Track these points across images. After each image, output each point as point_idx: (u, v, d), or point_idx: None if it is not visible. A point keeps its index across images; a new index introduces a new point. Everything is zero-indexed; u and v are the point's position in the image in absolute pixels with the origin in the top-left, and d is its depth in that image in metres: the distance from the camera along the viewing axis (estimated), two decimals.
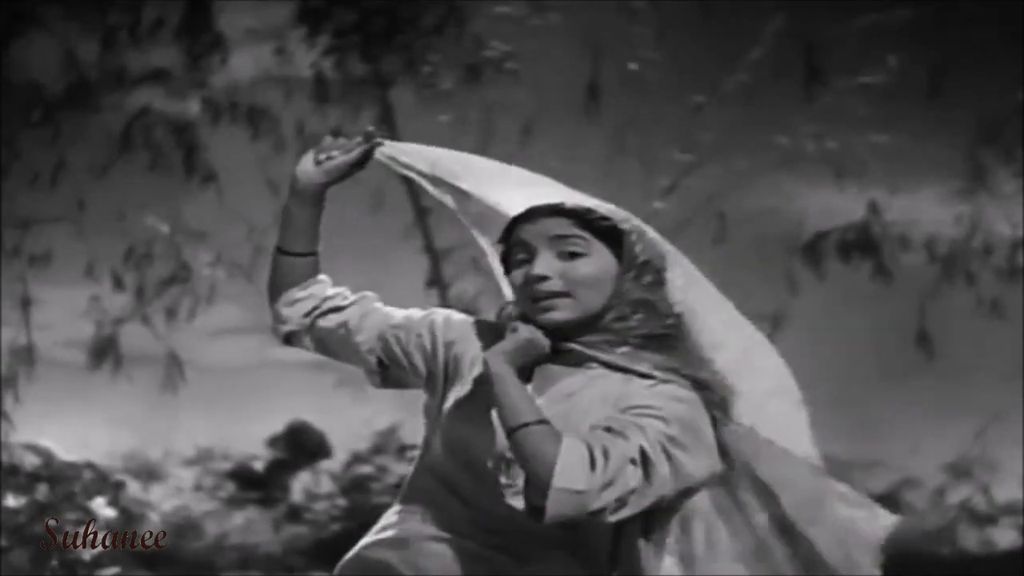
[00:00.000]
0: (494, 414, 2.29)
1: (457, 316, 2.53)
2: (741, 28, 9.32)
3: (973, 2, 9.23)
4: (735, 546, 2.35)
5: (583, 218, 2.36)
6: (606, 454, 2.17)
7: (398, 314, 2.55)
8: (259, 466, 13.94)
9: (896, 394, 11.03)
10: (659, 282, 2.37)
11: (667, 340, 2.35)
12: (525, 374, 2.32)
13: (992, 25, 9.31)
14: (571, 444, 2.17)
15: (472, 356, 2.42)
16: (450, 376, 2.45)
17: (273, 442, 14.00)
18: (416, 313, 2.55)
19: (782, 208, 9.97)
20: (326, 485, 13.72)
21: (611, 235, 2.36)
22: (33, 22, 9.75)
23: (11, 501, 9.81)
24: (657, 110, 9.44)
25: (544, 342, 2.32)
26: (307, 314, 2.55)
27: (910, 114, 9.42)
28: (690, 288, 2.41)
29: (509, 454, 2.27)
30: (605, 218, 2.36)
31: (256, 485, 13.77)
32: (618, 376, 2.32)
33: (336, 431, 13.22)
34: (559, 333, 2.35)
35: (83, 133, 9.78)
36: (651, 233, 2.40)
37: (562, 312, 2.33)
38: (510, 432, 2.21)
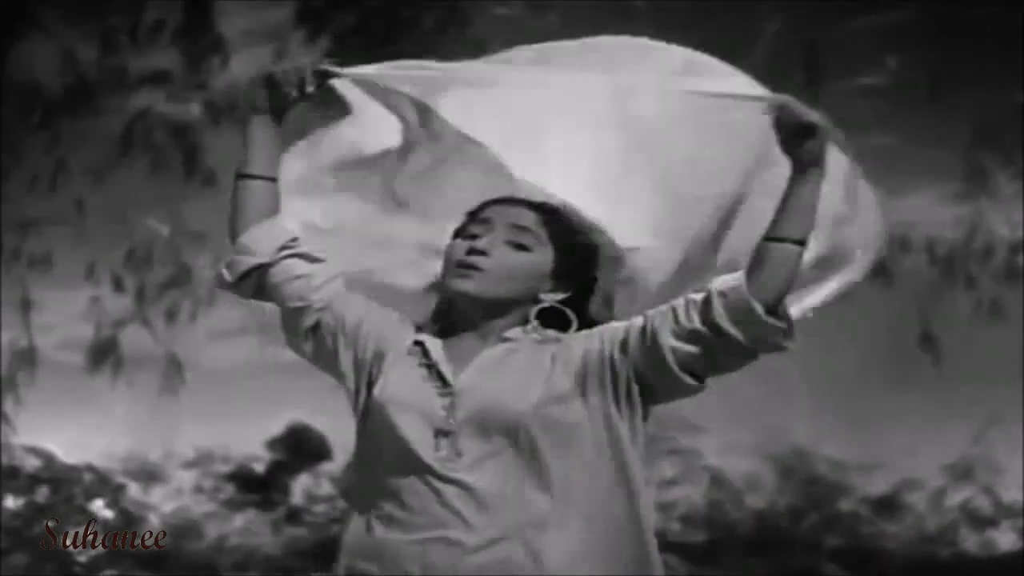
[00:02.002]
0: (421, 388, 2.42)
1: (391, 311, 2.58)
2: (740, 30, 9.32)
3: (973, 4, 9.23)
4: None
5: (548, 215, 2.47)
6: None
7: (350, 296, 2.58)
8: (259, 468, 13.90)
9: (896, 395, 11.03)
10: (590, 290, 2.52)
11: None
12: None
13: (992, 27, 9.31)
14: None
15: (405, 346, 2.49)
16: (373, 365, 2.51)
17: (273, 444, 13.97)
18: (360, 298, 2.59)
19: None
20: (326, 487, 13.69)
21: (562, 236, 2.48)
22: (33, 24, 9.75)
23: (11, 503, 9.81)
24: None
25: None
26: (280, 247, 2.55)
27: (910, 116, 9.43)
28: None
29: (448, 426, 2.36)
30: (565, 219, 2.49)
31: (256, 487, 13.74)
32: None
33: (336, 433, 13.19)
34: (469, 308, 2.46)
35: (83, 135, 9.78)
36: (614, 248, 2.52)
37: (471, 283, 2.43)
38: (799, 239, 2.34)
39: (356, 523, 2.45)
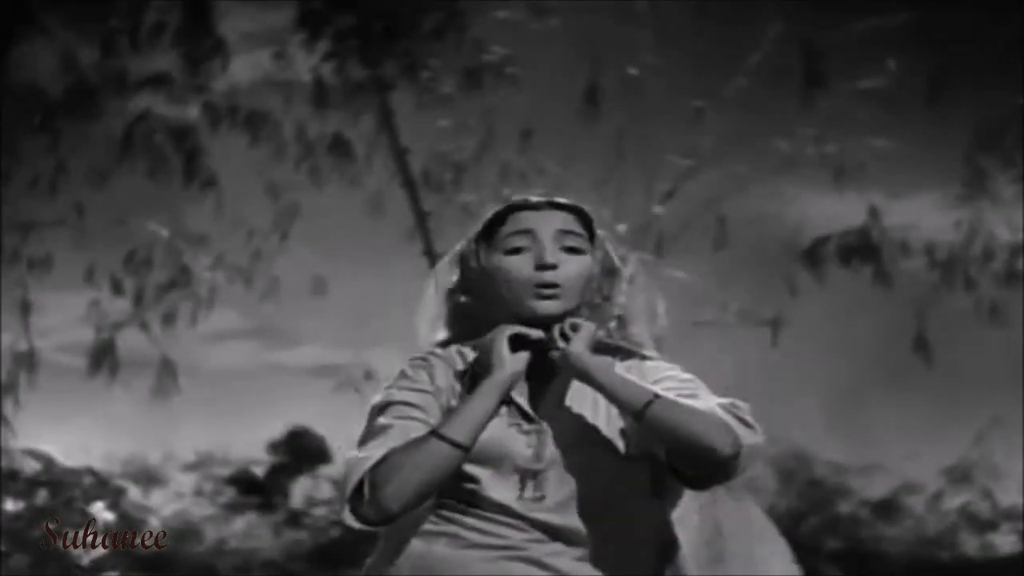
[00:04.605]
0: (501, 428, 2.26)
1: (423, 363, 2.36)
2: (740, 33, 9.33)
3: (973, 7, 9.24)
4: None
5: (584, 217, 2.37)
6: (736, 407, 2.25)
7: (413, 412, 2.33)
8: (259, 471, 13.93)
9: (895, 398, 11.04)
10: (612, 290, 2.39)
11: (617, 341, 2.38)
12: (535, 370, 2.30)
13: (992, 30, 9.31)
14: (710, 407, 2.22)
15: (452, 385, 2.34)
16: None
17: (273, 447, 14.00)
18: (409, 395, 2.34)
19: (782, 212, 9.99)
20: (326, 490, 13.70)
21: (592, 233, 2.38)
22: (34, 26, 9.76)
23: (11, 506, 9.81)
24: (657, 114, 9.45)
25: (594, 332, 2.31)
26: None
27: (910, 119, 9.43)
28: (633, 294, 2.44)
29: (536, 466, 2.25)
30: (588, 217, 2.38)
31: (256, 490, 13.75)
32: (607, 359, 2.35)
33: (336, 436, 13.20)
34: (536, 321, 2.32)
35: (83, 138, 9.79)
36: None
37: (556, 304, 2.30)
38: (643, 408, 2.19)
39: (398, 549, 2.29)
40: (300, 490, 13.89)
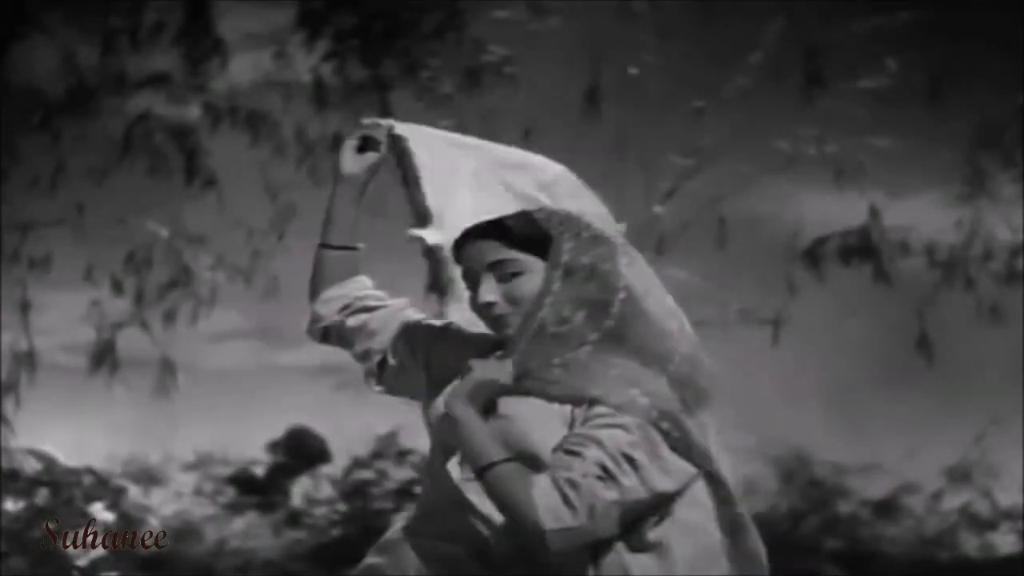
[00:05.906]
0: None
1: (435, 327, 2.63)
2: (741, 32, 9.33)
3: (973, 6, 9.24)
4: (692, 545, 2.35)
5: (511, 235, 2.40)
6: (573, 484, 2.20)
7: (414, 317, 2.66)
8: (259, 471, 13.91)
9: (895, 398, 11.03)
10: (595, 274, 2.37)
11: (620, 330, 2.34)
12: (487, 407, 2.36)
13: (992, 29, 9.31)
14: (542, 484, 2.20)
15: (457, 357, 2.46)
16: (437, 379, 2.49)
17: (273, 447, 13.98)
18: (421, 318, 2.66)
19: (782, 212, 9.99)
20: (326, 490, 13.69)
21: (541, 240, 2.40)
22: (33, 26, 9.75)
23: (11, 506, 9.81)
24: (657, 114, 9.45)
25: (503, 378, 2.33)
26: (340, 311, 2.64)
27: (910, 118, 9.43)
28: (632, 269, 2.44)
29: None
30: (532, 224, 2.41)
31: (256, 490, 13.74)
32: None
33: (336, 436, 13.19)
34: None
35: (83, 137, 9.78)
36: (587, 221, 2.49)
37: (510, 331, 2.39)
38: (479, 473, 2.26)
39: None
40: (300, 490, 13.88)
